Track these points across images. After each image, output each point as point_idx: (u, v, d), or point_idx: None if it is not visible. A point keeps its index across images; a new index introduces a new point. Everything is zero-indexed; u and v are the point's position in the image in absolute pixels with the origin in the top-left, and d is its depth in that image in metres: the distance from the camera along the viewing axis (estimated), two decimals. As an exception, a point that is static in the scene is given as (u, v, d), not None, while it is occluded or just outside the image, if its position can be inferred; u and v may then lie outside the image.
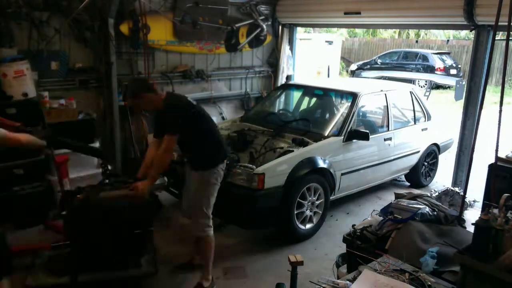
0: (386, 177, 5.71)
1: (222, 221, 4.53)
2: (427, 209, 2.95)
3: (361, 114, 5.77)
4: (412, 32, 22.12)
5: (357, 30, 23.26)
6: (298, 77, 8.04)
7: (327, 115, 5.52)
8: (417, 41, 20.62)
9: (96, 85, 5.38)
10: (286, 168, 4.23)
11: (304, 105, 6.03)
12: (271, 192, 4.10)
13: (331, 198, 4.79)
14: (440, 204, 3.22)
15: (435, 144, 6.23)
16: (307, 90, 5.97)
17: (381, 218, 2.98)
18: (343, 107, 5.29)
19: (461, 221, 3.02)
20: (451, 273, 2.34)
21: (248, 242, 4.41)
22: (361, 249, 2.71)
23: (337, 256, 3.31)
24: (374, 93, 5.58)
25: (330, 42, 20.91)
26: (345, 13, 6.19)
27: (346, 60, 21.60)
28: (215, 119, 6.78)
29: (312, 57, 18.67)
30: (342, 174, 4.83)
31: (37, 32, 4.78)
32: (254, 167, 4.18)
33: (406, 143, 5.73)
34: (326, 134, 4.82)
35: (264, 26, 6.86)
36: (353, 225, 3.09)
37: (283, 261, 4.08)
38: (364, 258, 2.49)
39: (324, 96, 5.76)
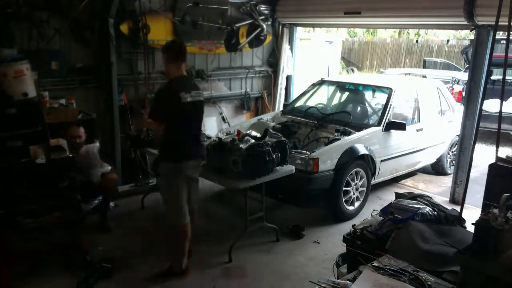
0: (417, 165, 6.24)
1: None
2: (427, 209, 2.95)
3: (395, 107, 6.09)
4: (412, 32, 22.08)
5: (357, 30, 23.22)
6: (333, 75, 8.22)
7: (366, 108, 6.05)
8: (417, 41, 20.56)
9: (96, 85, 5.38)
10: (336, 154, 4.75)
11: (340, 99, 6.43)
12: (324, 175, 4.63)
13: (372, 182, 5.31)
14: (440, 204, 3.21)
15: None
16: (343, 86, 6.49)
17: (381, 218, 2.97)
18: (379, 100, 5.92)
19: (461, 221, 3.02)
20: (451, 273, 2.34)
21: (248, 242, 4.42)
22: (361, 249, 2.71)
23: (337, 256, 3.31)
24: (406, 88, 6.17)
25: (330, 42, 20.89)
26: (345, 13, 6.19)
27: (346, 60, 21.59)
28: (215, 119, 6.80)
29: (312, 57, 18.68)
30: (382, 161, 5.38)
31: (37, 32, 4.78)
32: (308, 153, 4.62)
33: (435, 134, 6.25)
34: (366, 125, 5.36)
35: (264, 26, 6.85)
36: (353, 225, 3.08)
37: (283, 261, 4.10)
38: (364, 258, 2.49)
39: (360, 91, 6.28)
